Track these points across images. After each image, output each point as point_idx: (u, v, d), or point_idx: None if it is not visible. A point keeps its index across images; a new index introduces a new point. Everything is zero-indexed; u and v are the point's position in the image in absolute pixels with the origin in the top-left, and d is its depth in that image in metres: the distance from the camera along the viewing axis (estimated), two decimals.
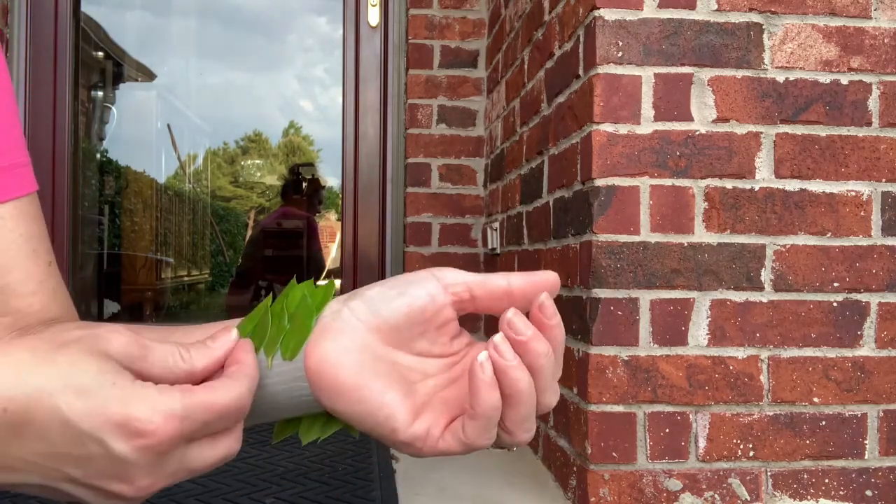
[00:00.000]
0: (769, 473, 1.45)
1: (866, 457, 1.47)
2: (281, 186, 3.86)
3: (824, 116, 1.48)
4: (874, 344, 1.48)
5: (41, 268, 0.57)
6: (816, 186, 1.48)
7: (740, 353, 1.46)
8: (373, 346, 0.46)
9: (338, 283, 3.02)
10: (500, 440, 0.46)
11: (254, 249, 3.65)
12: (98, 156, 3.28)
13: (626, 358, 1.44)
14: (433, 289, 0.47)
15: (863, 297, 1.48)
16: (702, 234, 1.46)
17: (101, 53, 3.28)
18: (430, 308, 0.47)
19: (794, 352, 1.46)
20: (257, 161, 3.72)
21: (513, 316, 0.44)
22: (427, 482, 1.67)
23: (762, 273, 1.46)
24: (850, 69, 1.48)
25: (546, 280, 0.47)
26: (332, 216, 3.82)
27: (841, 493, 1.46)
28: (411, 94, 2.78)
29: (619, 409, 1.43)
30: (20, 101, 2.79)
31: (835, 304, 1.47)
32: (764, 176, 1.47)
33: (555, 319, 0.45)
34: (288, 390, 0.47)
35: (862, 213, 1.48)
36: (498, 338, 0.44)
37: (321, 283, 0.49)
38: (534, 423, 0.45)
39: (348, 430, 0.49)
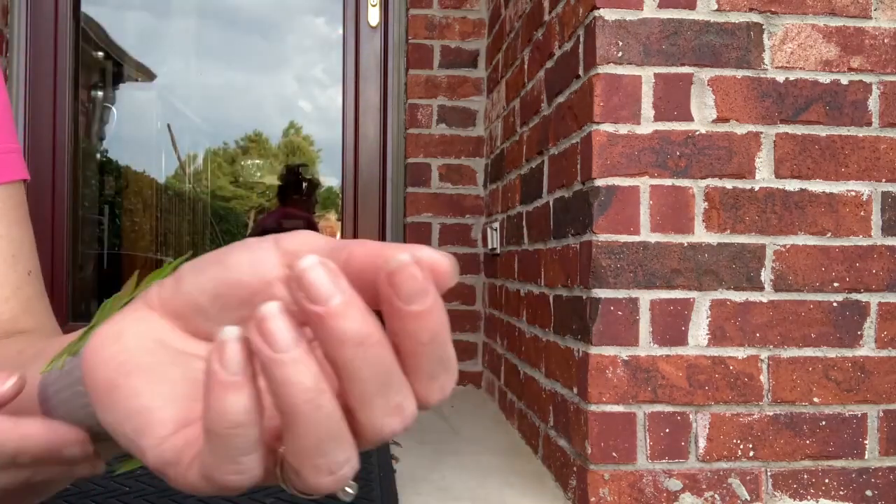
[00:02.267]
0: (769, 473, 1.45)
1: (866, 457, 1.47)
2: (277, 188, 3.86)
3: (824, 116, 1.48)
4: (874, 344, 1.48)
5: (19, 274, 0.52)
6: (816, 186, 1.48)
7: (740, 353, 1.46)
8: (163, 333, 0.33)
9: None
10: (291, 481, 0.30)
11: None
12: (98, 156, 3.28)
13: (626, 358, 1.44)
14: (262, 259, 0.32)
15: (863, 297, 1.48)
16: (702, 234, 1.46)
17: (101, 53, 3.28)
18: (251, 284, 0.31)
19: (794, 352, 1.46)
20: (257, 161, 3.72)
21: (309, 268, 0.27)
22: (427, 482, 1.67)
23: (762, 273, 1.46)
24: (850, 69, 1.48)
25: (435, 262, 0.28)
26: (332, 216, 3.82)
27: (841, 493, 1.46)
28: (411, 94, 2.78)
29: (619, 409, 1.43)
30: (20, 101, 2.79)
31: (835, 304, 1.47)
32: (764, 176, 1.47)
33: (417, 304, 0.27)
34: (73, 396, 0.36)
35: (862, 213, 1.48)
36: (269, 308, 0.27)
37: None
38: (344, 457, 0.29)
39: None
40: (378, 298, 0.28)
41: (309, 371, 0.27)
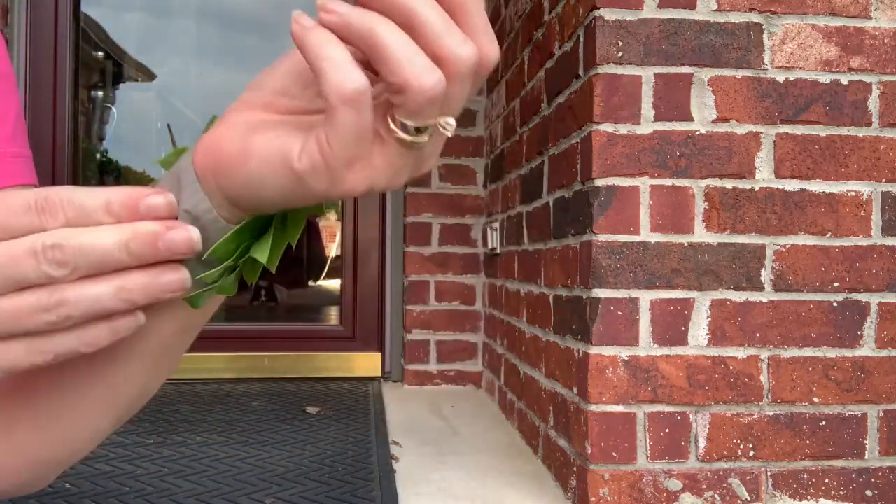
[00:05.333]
0: (769, 473, 1.45)
1: (866, 457, 1.47)
2: None
3: (824, 116, 1.48)
4: (874, 344, 1.47)
5: None
6: (816, 186, 1.48)
7: (740, 353, 1.46)
8: (261, 115, 0.40)
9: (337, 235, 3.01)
10: (401, 106, 0.36)
11: None
12: (98, 156, 3.28)
13: (626, 358, 1.44)
14: None
15: (863, 297, 1.48)
16: (702, 234, 1.46)
17: (101, 53, 3.28)
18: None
19: (794, 352, 1.46)
20: None
21: None
22: (427, 482, 1.67)
23: (762, 273, 1.46)
24: (850, 69, 1.48)
25: None
26: (332, 216, 3.82)
27: (841, 493, 1.46)
28: None
29: (619, 409, 1.43)
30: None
31: (835, 304, 1.47)
32: (764, 176, 1.47)
33: None
34: (192, 209, 0.41)
35: (862, 213, 1.48)
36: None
37: None
38: (427, 63, 0.35)
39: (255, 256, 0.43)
40: None
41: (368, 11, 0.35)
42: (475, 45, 0.36)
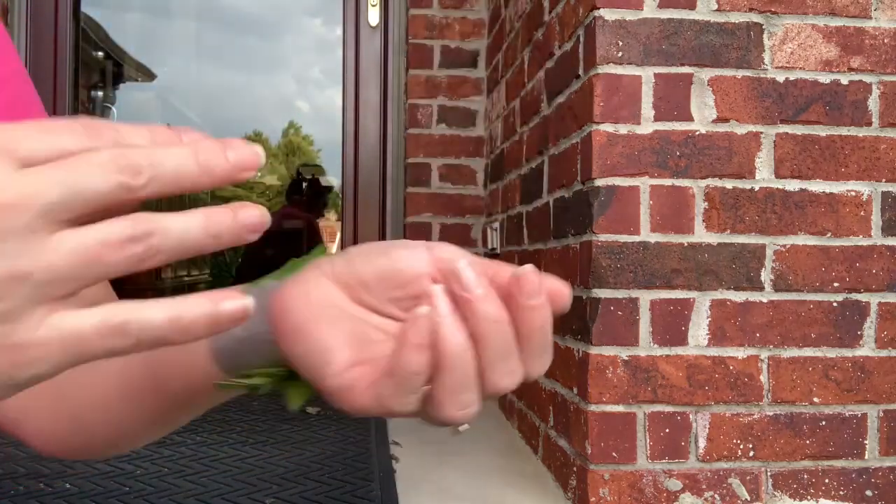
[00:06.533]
0: (769, 473, 1.45)
1: (866, 457, 1.47)
2: (288, 186, 3.87)
3: (824, 116, 1.48)
4: (874, 344, 1.48)
5: None
6: (816, 186, 1.48)
7: (740, 353, 1.46)
8: (336, 297, 0.42)
9: None
10: (429, 413, 0.41)
11: (254, 249, 3.65)
12: None
13: (626, 358, 1.44)
14: (418, 257, 0.43)
15: (863, 297, 1.48)
16: (702, 234, 1.46)
17: (101, 53, 3.28)
18: (407, 274, 0.42)
19: (794, 352, 1.46)
20: None
21: (462, 268, 0.40)
22: (427, 482, 1.67)
23: (762, 273, 1.46)
24: (850, 69, 1.48)
25: (556, 289, 0.42)
26: (332, 216, 3.82)
27: (841, 493, 1.46)
28: (411, 94, 2.78)
29: (619, 409, 1.43)
30: None
31: (835, 304, 1.47)
32: (764, 176, 1.47)
33: (534, 300, 0.40)
34: (248, 329, 0.44)
35: (862, 213, 1.48)
36: (437, 288, 0.40)
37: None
38: (472, 399, 0.40)
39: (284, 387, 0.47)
40: (504, 299, 0.40)
41: (459, 334, 0.39)
42: (523, 372, 0.43)
